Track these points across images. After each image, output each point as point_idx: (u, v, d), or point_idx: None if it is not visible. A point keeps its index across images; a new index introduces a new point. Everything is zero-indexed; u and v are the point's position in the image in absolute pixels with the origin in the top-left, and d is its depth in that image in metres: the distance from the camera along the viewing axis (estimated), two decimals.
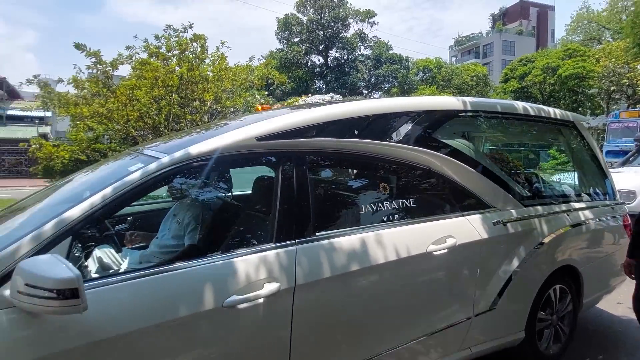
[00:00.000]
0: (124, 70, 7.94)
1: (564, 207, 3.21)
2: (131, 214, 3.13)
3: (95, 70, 7.08)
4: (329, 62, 43.50)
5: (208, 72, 7.98)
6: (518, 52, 49.08)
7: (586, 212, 3.33)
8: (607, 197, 3.68)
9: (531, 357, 3.01)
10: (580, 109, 29.88)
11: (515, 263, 2.76)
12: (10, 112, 27.00)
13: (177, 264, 1.80)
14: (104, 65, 7.04)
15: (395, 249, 2.26)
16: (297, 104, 8.94)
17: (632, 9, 24.04)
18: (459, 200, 2.68)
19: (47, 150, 8.06)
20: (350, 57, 43.07)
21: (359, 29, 43.26)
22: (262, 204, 2.40)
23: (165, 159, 1.90)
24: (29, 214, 2.04)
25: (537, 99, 32.10)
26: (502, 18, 60.39)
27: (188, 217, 2.57)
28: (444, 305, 2.52)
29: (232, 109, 8.44)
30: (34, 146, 8.10)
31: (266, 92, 12.26)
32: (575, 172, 3.77)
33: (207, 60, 7.98)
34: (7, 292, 1.44)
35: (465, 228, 2.59)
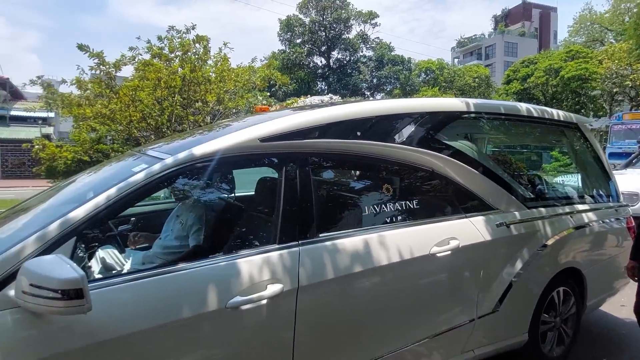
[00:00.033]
0: (127, 71, 7.96)
1: (567, 209, 3.20)
2: (134, 214, 3.14)
3: (98, 71, 7.10)
4: (331, 64, 43.51)
5: (210, 73, 7.99)
6: (520, 53, 49.04)
7: (589, 214, 3.32)
8: (610, 199, 3.67)
9: None
10: (582, 111, 29.79)
11: (519, 265, 2.76)
12: (13, 113, 27.11)
13: (181, 265, 1.81)
14: (107, 66, 7.05)
15: (399, 250, 2.26)
16: (296, 105, 8.96)
17: (635, 10, 24.00)
18: (462, 202, 2.68)
19: (50, 151, 8.08)
20: (352, 58, 43.06)
21: (361, 30, 43.28)
22: (265, 205, 2.40)
23: (169, 160, 1.90)
24: (33, 215, 2.05)
25: (540, 100, 32.05)
26: (505, 19, 60.33)
27: (191, 218, 2.57)
28: (447, 307, 2.51)
29: (234, 110, 8.45)
30: (37, 147, 8.12)
31: (268, 93, 12.26)
32: (579, 174, 3.76)
33: (209, 62, 7.99)
34: (11, 292, 1.44)
35: (469, 230, 2.59)
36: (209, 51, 7.79)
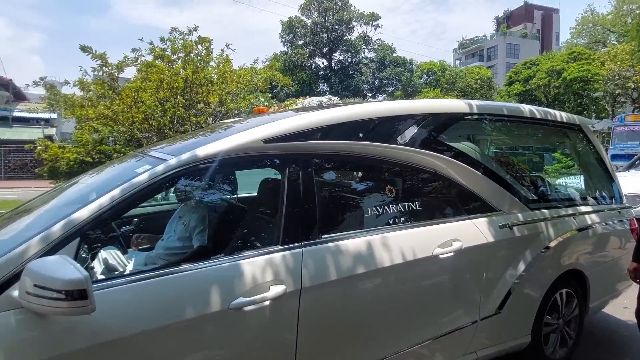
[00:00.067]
0: (130, 72, 8.00)
1: (570, 210, 3.20)
2: (136, 215, 3.14)
3: (100, 73, 7.13)
4: (333, 65, 43.56)
5: (213, 75, 8.01)
6: (522, 55, 48.99)
7: (592, 215, 3.31)
8: (613, 200, 3.66)
9: None
10: (585, 112, 29.75)
11: (522, 267, 2.75)
12: (16, 114, 27.21)
13: (184, 266, 1.81)
14: (110, 68, 7.09)
15: (401, 252, 2.26)
16: (294, 105, 8.97)
17: (637, 12, 23.99)
18: (465, 203, 2.68)
19: (53, 152, 8.10)
20: (354, 59, 43.10)
21: (363, 31, 43.33)
22: (268, 206, 2.40)
23: (173, 161, 1.90)
24: (37, 215, 2.06)
25: (542, 102, 32.02)
26: (507, 21, 60.24)
27: (194, 219, 2.57)
28: (449, 308, 2.51)
29: (236, 111, 8.47)
30: (39, 148, 8.15)
31: (270, 95, 12.29)
32: (582, 176, 3.76)
33: (211, 63, 8.02)
34: (15, 293, 1.45)
35: (472, 231, 2.58)
36: (211, 52, 7.81)
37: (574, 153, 3.87)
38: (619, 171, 8.13)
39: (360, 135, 2.38)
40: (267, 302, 1.84)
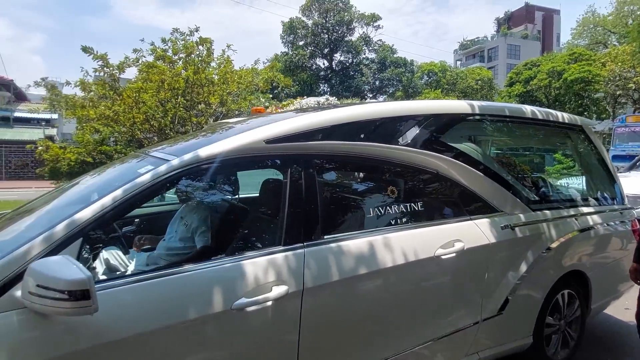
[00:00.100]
0: (131, 73, 7.99)
1: (572, 211, 3.19)
2: (137, 216, 3.14)
3: (102, 73, 7.12)
4: (334, 66, 43.59)
5: (214, 75, 8.01)
6: (523, 56, 48.99)
7: (594, 216, 3.31)
8: (615, 201, 3.66)
9: None
10: (586, 113, 29.73)
11: (524, 268, 2.75)
12: (17, 114, 27.25)
13: (186, 266, 1.81)
14: (111, 68, 7.08)
15: (403, 252, 2.26)
16: (292, 106, 8.97)
17: (638, 13, 23.99)
18: (466, 204, 2.68)
19: (54, 152, 8.09)
20: (355, 60, 43.13)
21: (363, 32, 43.38)
22: (270, 207, 2.40)
23: (175, 161, 1.90)
24: (40, 215, 2.06)
25: (543, 103, 32.01)
26: (507, 22, 60.25)
27: (196, 220, 2.57)
28: (451, 309, 2.51)
29: (237, 112, 8.46)
30: (40, 148, 8.14)
31: (271, 95, 12.30)
32: (583, 177, 3.76)
33: (212, 64, 8.01)
34: (18, 293, 1.45)
35: (474, 232, 2.58)
36: (212, 53, 7.81)
37: (576, 154, 3.87)
38: (620, 172, 8.13)
39: (363, 135, 2.38)
40: (270, 303, 1.84)
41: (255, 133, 2.09)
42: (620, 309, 4.10)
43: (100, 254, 2.42)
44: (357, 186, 2.66)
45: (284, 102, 10.66)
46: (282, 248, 1.97)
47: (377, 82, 42.99)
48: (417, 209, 2.49)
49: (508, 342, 2.79)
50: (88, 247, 2.02)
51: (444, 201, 2.68)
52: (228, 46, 8.12)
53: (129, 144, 8.32)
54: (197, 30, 7.64)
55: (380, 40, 44.01)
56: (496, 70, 51.53)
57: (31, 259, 1.51)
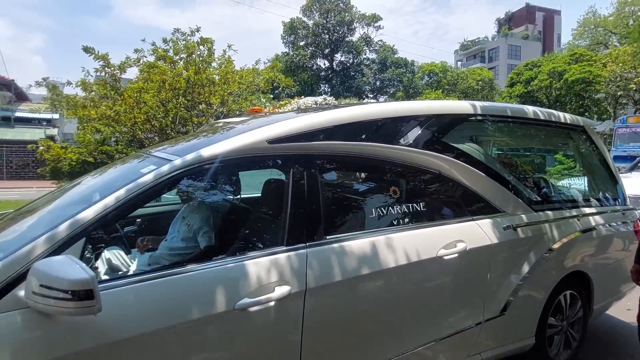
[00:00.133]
0: (132, 73, 8.00)
1: (574, 212, 3.19)
2: (138, 216, 3.14)
3: (103, 73, 7.13)
4: (335, 66, 43.61)
5: (215, 75, 8.01)
6: (524, 56, 48.96)
7: (596, 217, 3.31)
8: (617, 202, 3.66)
9: None
10: (586, 114, 29.73)
11: (526, 268, 2.75)
12: (18, 114, 27.28)
13: (189, 266, 1.81)
14: (112, 68, 7.09)
15: (406, 253, 2.25)
16: (289, 106, 8.99)
17: (639, 13, 23.96)
18: (469, 205, 2.67)
19: (55, 152, 8.10)
20: (355, 61, 43.16)
21: (364, 33, 43.44)
22: (272, 207, 2.40)
23: (178, 161, 1.90)
24: (42, 215, 2.06)
25: (543, 103, 31.99)
26: (508, 22, 60.24)
27: (198, 220, 2.56)
28: (453, 310, 2.50)
29: (237, 112, 8.47)
30: (41, 148, 8.14)
31: (271, 96, 12.30)
32: (585, 177, 3.75)
33: (213, 64, 8.02)
34: (21, 293, 1.45)
35: (476, 232, 2.58)
36: (213, 53, 7.81)
37: (578, 154, 3.87)
38: (622, 173, 8.12)
39: (365, 136, 2.38)
40: (272, 303, 1.84)
41: (258, 133, 2.09)
42: (622, 310, 4.09)
43: (103, 254, 2.42)
44: (359, 186, 2.66)
45: (280, 102, 10.66)
46: (284, 248, 1.97)
47: (377, 83, 43.02)
48: (419, 209, 2.48)
49: (510, 343, 2.79)
50: (91, 247, 2.01)
51: (446, 201, 2.68)
52: (229, 46, 8.14)
53: (130, 144, 8.33)
54: (198, 30, 7.65)
55: (381, 40, 44.14)
56: (497, 71, 51.52)
57: (34, 258, 1.51)
